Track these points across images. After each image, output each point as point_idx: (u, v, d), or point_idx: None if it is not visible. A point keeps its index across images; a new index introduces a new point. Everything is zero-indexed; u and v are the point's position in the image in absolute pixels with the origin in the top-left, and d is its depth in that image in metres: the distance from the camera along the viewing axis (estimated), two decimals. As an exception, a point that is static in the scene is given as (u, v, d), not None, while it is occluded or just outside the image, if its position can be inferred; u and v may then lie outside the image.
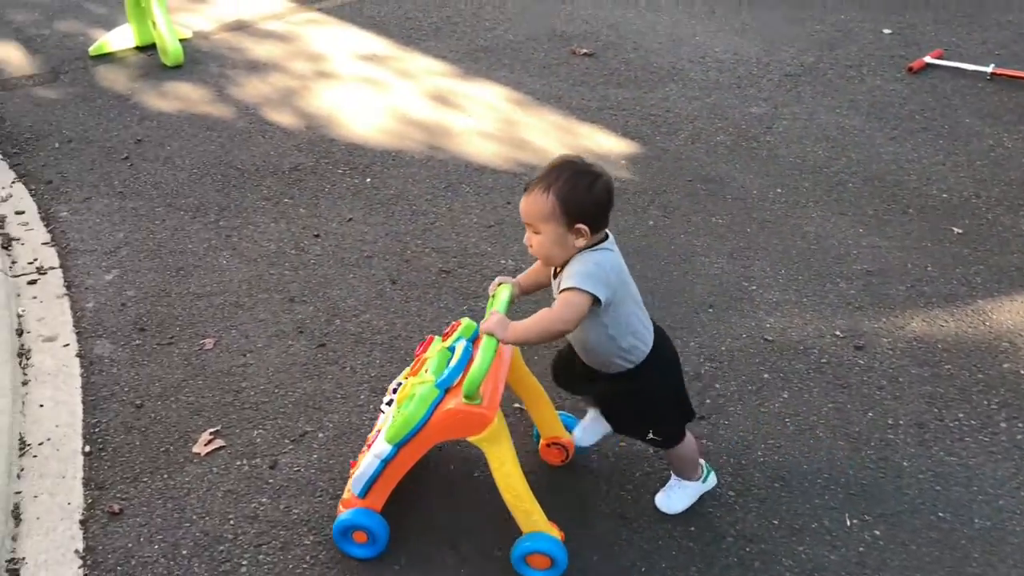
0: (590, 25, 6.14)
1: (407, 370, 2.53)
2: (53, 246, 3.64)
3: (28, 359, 3.01)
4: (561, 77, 5.35)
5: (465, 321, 2.46)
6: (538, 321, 2.16)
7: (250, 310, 3.32)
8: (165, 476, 2.58)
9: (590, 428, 2.64)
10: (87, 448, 2.67)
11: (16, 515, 2.43)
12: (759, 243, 3.81)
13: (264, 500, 2.51)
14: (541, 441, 2.68)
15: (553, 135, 4.67)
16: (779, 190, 4.21)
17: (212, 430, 2.75)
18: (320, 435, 2.75)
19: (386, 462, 2.25)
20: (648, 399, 2.37)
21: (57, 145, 4.47)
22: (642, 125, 4.80)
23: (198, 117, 4.79)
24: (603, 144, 4.61)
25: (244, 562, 2.33)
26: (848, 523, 2.51)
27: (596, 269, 2.13)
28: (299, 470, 2.64)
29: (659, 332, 2.38)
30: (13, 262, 3.51)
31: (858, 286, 3.54)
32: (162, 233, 3.77)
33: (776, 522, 2.51)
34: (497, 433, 2.21)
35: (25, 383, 2.90)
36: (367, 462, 2.28)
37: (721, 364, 3.11)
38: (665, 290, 3.49)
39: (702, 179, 4.29)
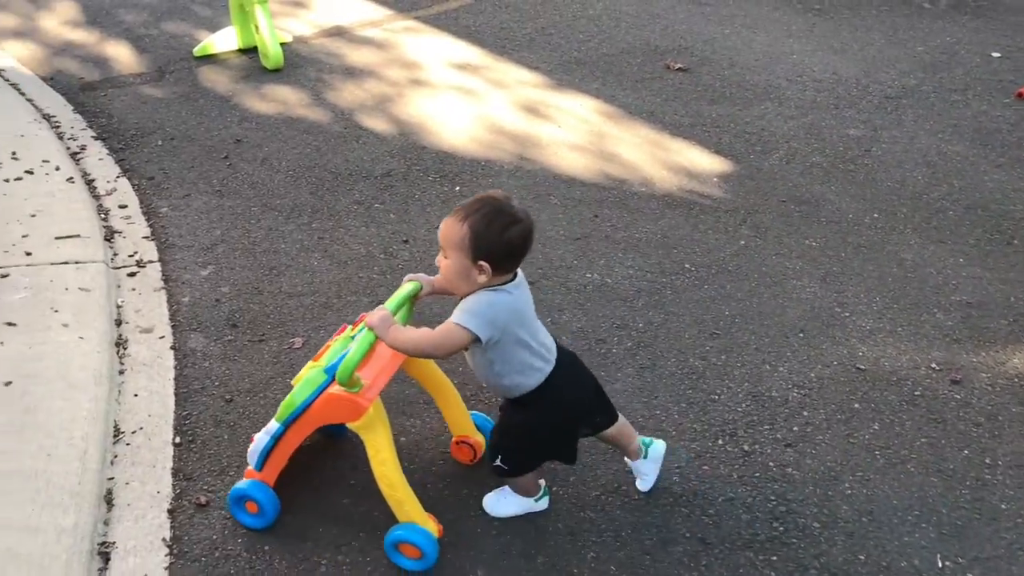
0: (685, 40, 6.09)
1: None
2: (153, 240, 3.76)
3: (125, 349, 3.10)
4: (654, 91, 5.31)
5: None
6: (416, 338, 2.22)
7: (338, 311, 3.37)
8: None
9: (644, 470, 2.60)
10: (177, 439, 2.74)
11: (108, 500, 2.50)
12: (853, 268, 3.71)
13: (345, 502, 2.54)
14: (452, 439, 2.70)
15: (644, 150, 4.64)
16: (876, 215, 4.10)
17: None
18: (402, 439, 2.77)
19: (275, 439, 2.37)
20: (516, 431, 2.37)
21: (160, 142, 4.62)
22: (735, 143, 4.73)
23: (295, 120, 4.90)
24: (695, 161, 4.55)
25: (324, 561, 2.35)
26: (940, 564, 2.42)
27: (487, 309, 2.16)
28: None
29: (568, 371, 2.35)
30: (115, 254, 3.63)
31: (956, 318, 3.42)
32: (257, 232, 3.86)
33: (863, 557, 2.43)
34: (373, 422, 2.27)
35: (121, 372, 2.99)
36: (259, 437, 2.41)
37: (810, 391, 3.04)
38: (754, 312, 3.42)
39: (796, 200, 4.21)
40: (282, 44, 5.63)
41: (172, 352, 3.11)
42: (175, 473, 2.61)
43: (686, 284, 3.59)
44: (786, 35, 6.22)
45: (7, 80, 5.27)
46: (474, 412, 2.74)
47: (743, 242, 3.89)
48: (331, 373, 2.28)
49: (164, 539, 2.40)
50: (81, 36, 5.99)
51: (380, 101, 5.16)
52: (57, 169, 4.17)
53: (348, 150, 4.57)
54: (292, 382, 2.40)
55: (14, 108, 4.85)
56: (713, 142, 4.75)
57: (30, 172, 4.10)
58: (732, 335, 3.30)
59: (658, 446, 2.59)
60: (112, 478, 2.57)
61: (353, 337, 2.39)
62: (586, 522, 2.50)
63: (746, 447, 2.79)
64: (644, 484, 2.60)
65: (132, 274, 3.52)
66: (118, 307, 3.31)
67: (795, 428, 2.87)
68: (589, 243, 3.85)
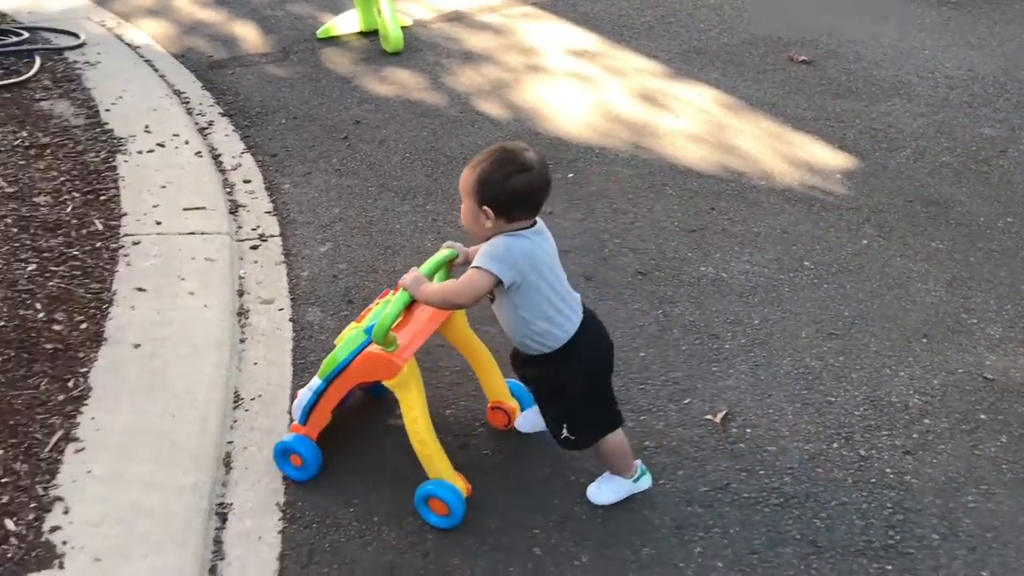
0: (810, 32, 5.91)
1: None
2: (275, 215, 3.87)
3: (246, 319, 3.21)
4: (776, 84, 5.18)
5: None
6: (441, 289, 2.31)
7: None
8: (364, 444, 2.68)
9: (530, 416, 2.69)
10: (293, 408, 2.82)
11: (227, 463, 2.59)
12: (983, 274, 3.55)
13: (454, 480, 2.57)
14: (488, 404, 2.77)
15: (764, 142, 4.53)
16: (1010, 219, 3.91)
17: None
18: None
19: (318, 395, 2.46)
20: (559, 389, 2.38)
21: (283, 121, 4.75)
22: (860, 139, 4.58)
23: (413, 103, 4.96)
24: (817, 156, 4.42)
25: (430, 537, 2.38)
26: (1069, 587, 2.29)
27: (504, 252, 2.21)
28: (486, 453, 2.68)
29: (592, 327, 2.39)
30: (239, 227, 3.75)
31: (1096, 331, 3.23)
32: (374, 212, 3.92)
33: (985, 574, 2.32)
34: (407, 380, 2.35)
35: (242, 341, 3.09)
36: (303, 394, 2.52)
37: (932, 399, 2.92)
38: (875, 314, 3.31)
39: (923, 200, 4.04)
40: (402, 28, 5.71)
41: (291, 324, 3.20)
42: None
43: (805, 282, 3.49)
44: (918, 29, 5.97)
45: (142, 57, 5.50)
46: (509, 379, 2.76)
47: (866, 241, 3.75)
48: (370, 333, 2.37)
49: (278, 504, 2.47)
50: (210, 16, 6.20)
51: (496, 86, 5.17)
52: (186, 143, 4.33)
53: (463, 134, 4.60)
54: (335, 342, 2.52)
55: (148, 84, 5.05)
56: (837, 137, 4.60)
57: (161, 145, 4.27)
58: (851, 336, 3.20)
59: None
60: (231, 442, 2.66)
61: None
62: (693, 517, 2.46)
63: (862, 452, 2.70)
64: (522, 423, 2.72)
65: (255, 247, 3.63)
66: (240, 278, 3.42)
67: (915, 435, 2.77)
68: (704, 236, 3.78)
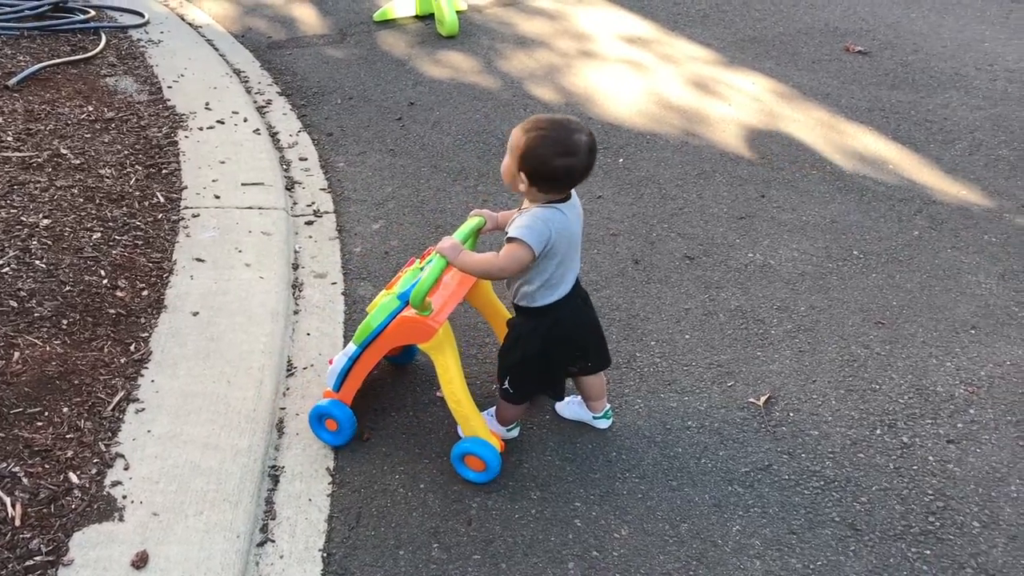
0: (867, 23, 5.85)
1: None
2: (329, 192, 3.95)
3: (300, 291, 3.29)
4: (831, 74, 5.14)
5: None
6: (483, 261, 2.36)
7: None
8: (411, 414, 2.75)
9: (571, 405, 2.78)
10: (343, 378, 2.89)
11: (280, 428, 2.67)
12: (1036, 267, 3.51)
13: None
14: None
15: (817, 132, 4.51)
16: (1066, 213, 3.86)
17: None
18: (543, 400, 2.83)
19: (353, 360, 2.54)
20: (516, 340, 2.48)
21: (339, 101, 4.83)
22: (915, 131, 4.53)
23: (466, 86, 5.01)
24: (870, 146, 4.39)
25: (474, 505, 2.44)
26: (1111, 580, 2.28)
27: (542, 226, 2.27)
28: (531, 427, 2.73)
29: (575, 302, 2.46)
30: (295, 203, 3.85)
31: None
32: (426, 191, 3.99)
33: (1025, 563, 2.32)
34: (441, 343, 2.43)
35: (296, 312, 3.18)
36: (337, 359, 2.58)
37: (978, 389, 2.91)
38: (923, 305, 3.29)
39: (978, 193, 4.00)
40: (458, 12, 5.77)
41: (343, 298, 3.28)
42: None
43: (853, 271, 3.49)
44: (978, 21, 5.88)
45: (203, 36, 5.63)
46: None
47: (917, 232, 3.73)
48: (404, 299, 2.46)
49: (328, 468, 2.55)
50: (271, -2, 6.31)
51: (549, 71, 5.21)
52: (245, 121, 4.44)
53: (515, 117, 4.64)
54: (367, 309, 2.59)
55: (209, 62, 5.17)
56: (891, 128, 4.56)
57: (221, 122, 4.38)
58: (898, 326, 3.19)
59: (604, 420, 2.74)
60: (284, 408, 2.75)
61: (422, 268, 2.54)
62: (733, 496, 2.49)
63: (905, 439, 2.70)
64: (562, 408, 2.79)
65: (309, 223, 3.72)
66: (295, 252, 3.51)
67: (959, 425, 2.76)
68: (753, 223, 3.79)
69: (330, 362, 2.65)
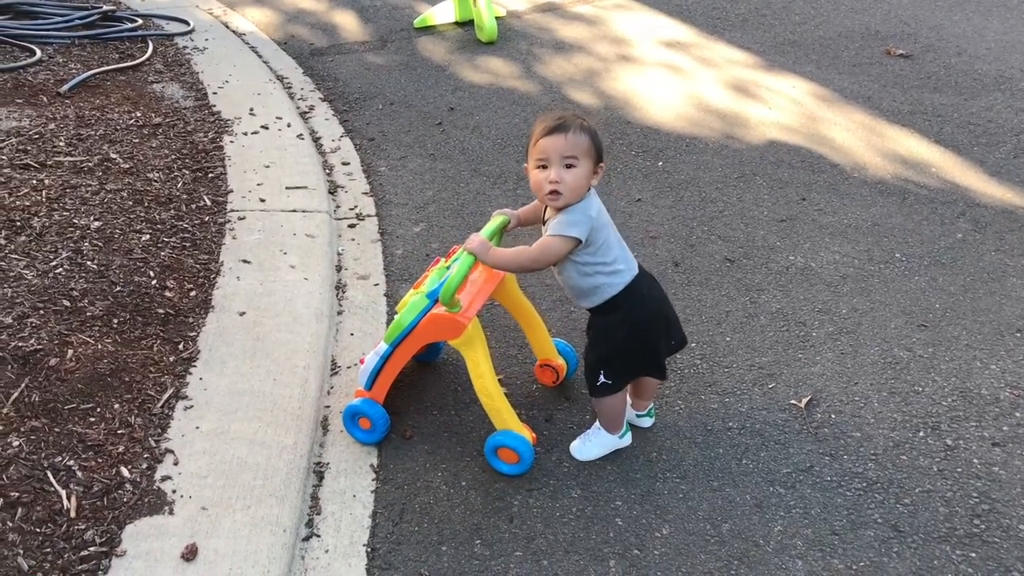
0: (909, 26, 5.81)
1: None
2: (371, 196, 4.01)
3: (343, 292, 3.34)
4: (872, 77, 5.11)
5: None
6: (515, 255, 2.41)
7: (537, 274, 3.47)
8: (452, 412, 2.78)
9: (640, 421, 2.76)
10: (386, 377, 2.93)
11: (324, 425, 2.72)
12: (1084, 270, 3.47)
13: (538, 449, 2.64)
14: (536, 362, 2.91)
15: (859, 135, 4.49)
16: (1114, 216, 3.80)
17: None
18: (583, 399, 2.84)
19: (384, 359, 2.58)
20: (605, 331, 2.48)
21: (380, 106, 4.89)
22: (958, 133, 4.49)
23: (505, 91, 5.05)
24: (912, 149, 4.36)
25: (515, 502, 2.47)
26: None
27: (584, 218, 2.32)
28: (571, 427, 2.74)
29: (647, 278, 2.50)
30: (337, 206, 3.90)
31: None
32: (466, 195, 4.03)
33: (1073, 567, 2.30)
34: (472, 339, 2.47)
35: (339, 312, 3.23)
36: (369, 359, 2.62)
37: (1024, 392, 2.88)
38: (967, 308, 3.26)
39: (1022, 196, 3.95)
40: (497, 18, 5.81)
41: (385, 299, 3.32)
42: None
43: (895, 273, 3.47)
44: (1024, 23, 5.81)
45: (247, 43, 5.72)
46: (556, 339, 2.91)
47: (960, 235, 3.70)
48: (433, 297, 2.50)
49: (372, 465, 2.59)
50: (312, 5, 6.41)
51: (588, 75, 5.23)
52: (288, 126, 4.51)
53: (555, 121, 4.66)
54: (396, 308, 2.64)
55: (253, 69, 5.26)
56: (934, 131, 4.53)
57: (265, 127, 4.46)
58: (941, 328, 3.17)
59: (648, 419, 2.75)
60: (328, 406, 2.79)
61: (448, 267, 2.58)
62: (775, 496, 2.49)
63: (949, 441, 2.68)
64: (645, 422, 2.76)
65: (352, 225, 3.77)
66: (338, 254, 3.56)
67: (1005, 428, 2.73)
68: (794, 225, 3.78)
69: (361, 361, 2.69)
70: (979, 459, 2.61)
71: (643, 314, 2.46)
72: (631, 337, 2.46)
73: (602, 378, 2.50)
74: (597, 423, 2.65)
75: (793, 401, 2.83)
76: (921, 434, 2.71)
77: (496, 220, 2.60)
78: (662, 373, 2.56)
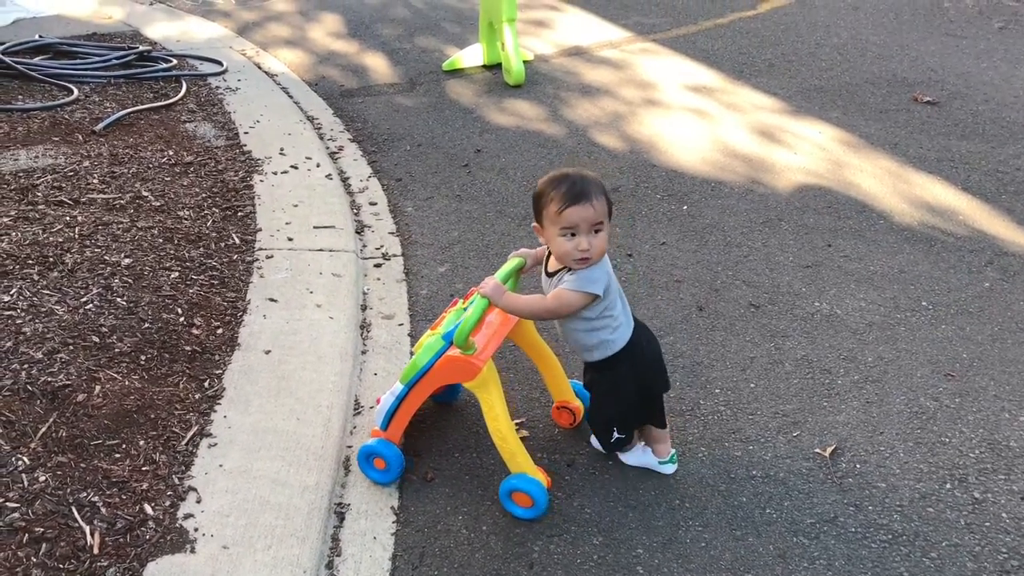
0: (936, 73, 5.81)
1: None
2: (397, 236, 4.05)
3: (368, 332, 3.36)
4: (899, 124, 5.11)
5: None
6: (530, 303, 2.46)
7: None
8: (474, 455, 2.78)
9: (635, 453, 2.76)
10: (409, 418, 2.94)
11: (346, 466, 2.72)
12: (1115, 322, 3.42)
13: (559, 494, 2.63)
14: (553, 404, 2.92)
15: (885, 181, 4.48)
16: None
17: (518, 420, 2.92)
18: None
19: (400, 399, 2.59)
20: (613, 388, 2.54)
21: (408, 148, 4.95)
22: (986, 181, 4.48)
23: (532, 134, 5.10)
24: (939, 197, 4.35)
25: (536, 548, 2.45)
26: None
27: (600, 274, 2.39)
28: (593, 472, 2.73)
29: (642, 329, 2.56)
30: (364, 246, 3.94)
31: None
32: (491, 236, 4.06)
33: (1105, 627, 2.25)
34: (486, 381, 2.49)
35: (364, 352, 3.25)
36: (385, 399, 2.64)
37: (1054, 445, 2.84)
38: (995, 358, 3.23)
39: (1052, 245, 3.93)
40: (525, 62, 5.88)
41: (409, 339, 3.33)
42: (405, 449, 2.79)
43: (921, 322, 3.44)
44: (1052, 71, 5.80)
45: (278, 84, 5.83)
46: (573, 380, 2.92)
47: (988, 284, 3.67)
48: (448, 339, 2.51)
49: (392, 507, 2.59)
50: (343, 47, 6.52)
51: (613, 119, 5.27)
52: (318, 166, 4.57)
53: (580, 165, 4.70)
54: (413, 349, 2.67)
55: (284, 109, 5.35)
56: (961, 179, 4.51)
57: (295, 167, 4.52)
58: (969, 379, 3.13)
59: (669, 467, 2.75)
60: (350, 446, 2.79)
61: (466, 308, 2.61)
62: (798, 547, 2.46)
63: (977, 495, 2.64)
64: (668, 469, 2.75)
65: (378, 265, 3.80)
66: (364, 294, 3.59)
67: None
68: (820, 272, 3.77)
69: (378, 401, 2.70)
70: (1008, 513, 2.57)
71: (643, 367, 2.55)
72: (638, 394, 2.55)
73: (616, 434, 2.59)
74: (640, 448, 2.74)
75: (818, 450, 2.81)
76: (948, 486, 2.67)
77: (512, 263, 2.63)
78: (663, 422, 2.65)
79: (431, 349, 2.54)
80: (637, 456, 2.75)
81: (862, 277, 3.73)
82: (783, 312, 3.51)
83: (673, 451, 2.72)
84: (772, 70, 5.94)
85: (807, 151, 4.81)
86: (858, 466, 2.74)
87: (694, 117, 5.28)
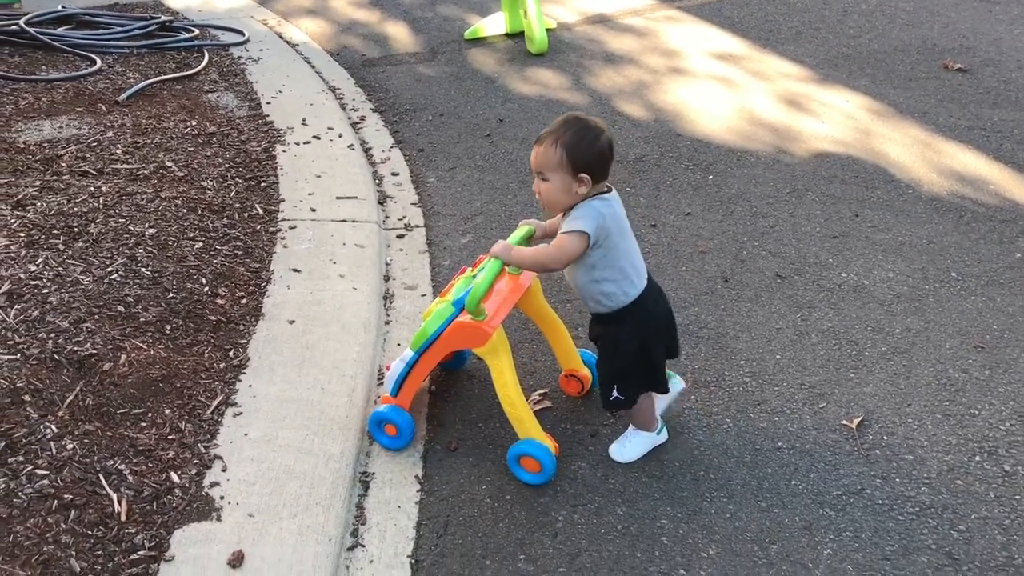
0: (967, 39, 5.70)
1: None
2: (420, 207, 4.03)
3: (391, 302, 3.36)
4: (928, 91, 5.02)
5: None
6: (535, 253, 2.47)
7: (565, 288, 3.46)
8: (498, 425, 2.77)
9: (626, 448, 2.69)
10: (432, 387, 2.94)
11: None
12: None
13: (583, 464, 2.63)
14: (562, 372, 2.91)
15: (914, 150, 4.41)
16: None
17: (541, 391, 2.92)
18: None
19: (410, 366, 2.60)
20: (615, 344, 2.52)
21: (430, 118, 4.92)
22: (1018, 150, 4.39)
23: (555, 103, 5.05)
24: (969, 166, 4.27)
25: (560, 518, 2.45)
26: None
27: (594, 212, 2.36)
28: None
29: (654, 295, 2.53)
30: (386, 217, 3.93)
31: None
32: (514, 207, 4.03)
33: None
34: (496, 347, 2.50)
35: (387, 322, 3.25)
36: (395, 366, 2.66)
37: (1086, 418, 2.80)
38: (1026, 328, 3.19)
39: (1085, 214, 3.86)
40: (547, 30, 5.82)
41: (432, 309, 3.33)
42: (430, 419, 2.80)
43: (951, 293, 3.40)
44: (1087, 37, 5.67)
45: (300, 54, 5.80)
46: (582, 349, 2.91)
47: (1019, 254, 3.61)
48: (458, 306, 2.53)
49: (417, 476, 2.59)
50: (364, 16, 6.48)
51: (637, 87, 5.21)
52: (339, 136, 4.55)
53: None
54: (422, 316, 2.67)
55: (305, 79, 5.33)
56: (992, 147, 4.43)
57: (317, 137, 4.51)
58: (999, 350, 3.09)
59: (677, 382, 2.73)
60: (374, 416, 2.80)
61: (475, 275, 2.61)
62: (824, 519, 2.44)
63: (1007, 467, 2.61)
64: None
65: (400, 236, 3.79)
66: (387, 264, 3.58)
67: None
68: (847, 242, 3.72)
69: (387, 367, 2.72)
70: (1038, 486, 2.54)
71: (648, 330, 2.52)
72: (639, 353, 2.51)
73: (615, 393, 2.55)
74: (631, 425, 2.68)
75: (844, 422, 2.78)
76: (977, 459, 2.64)
77: (522, 229, 2.64)
78: (664, 388, 2.61)
79: (441, 316, 2.55)
80: (633, 446, 2.67)
81: (890, 248, 3.68)
82: (809, 283, 3.47)
83: (659, 416, 2.69)
84: (799, 37, 5.84)
85: (834, 120, 4.74)
86: (885, 438, 2.72)
87: (719, 85, 5.21)
